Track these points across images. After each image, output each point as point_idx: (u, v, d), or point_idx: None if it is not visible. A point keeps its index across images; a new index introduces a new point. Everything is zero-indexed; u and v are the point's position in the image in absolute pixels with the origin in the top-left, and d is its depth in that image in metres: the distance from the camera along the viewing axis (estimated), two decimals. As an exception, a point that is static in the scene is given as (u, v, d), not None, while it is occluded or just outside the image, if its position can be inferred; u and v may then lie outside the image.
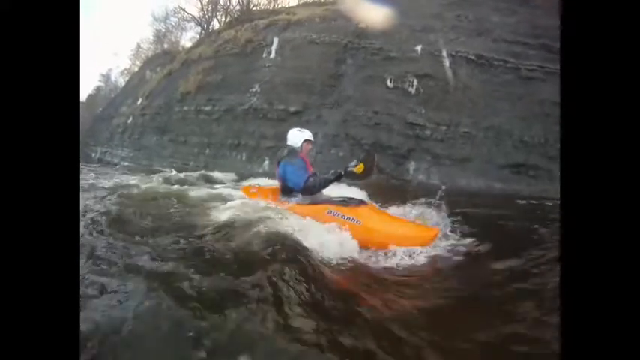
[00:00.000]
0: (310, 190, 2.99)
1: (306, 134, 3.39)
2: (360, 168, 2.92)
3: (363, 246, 2.39)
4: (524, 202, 5.92)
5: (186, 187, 5.27)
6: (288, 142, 3.38)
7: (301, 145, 3.34)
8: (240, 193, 4.02)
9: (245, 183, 6.15)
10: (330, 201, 2.90)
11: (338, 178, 2.98)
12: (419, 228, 2.54)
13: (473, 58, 9.56)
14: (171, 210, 3.44)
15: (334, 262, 2.16)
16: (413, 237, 2.40)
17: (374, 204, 3.03)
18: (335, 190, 3.21)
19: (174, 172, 8.47)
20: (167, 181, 6.32)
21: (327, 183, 3.00)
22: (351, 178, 2.99)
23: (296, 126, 3.70)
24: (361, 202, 2.85)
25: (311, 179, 3.00)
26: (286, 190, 3.24)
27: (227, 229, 2.45)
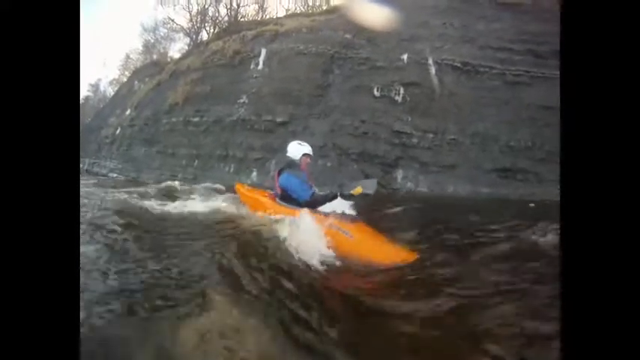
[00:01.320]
0: (313, 204, 3.14)
1: (306, 148, 3.47)
2: (357, 190, 3.09)
3: (349, 258, 2.52)
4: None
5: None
6: (288, 154, 3.46)
7: (300, 159, 3.43)
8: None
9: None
10: (327, 213, 3.06)
11: (333, 199, 3.14)
12: (400, 250, 2.64)
13: (459, 65, 9.67)
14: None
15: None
16: (394, 257, 2.51)
17: (362, 222, 3.17)
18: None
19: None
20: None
21: (325, 201, 3.16)
22: (347, 199, 3.15)
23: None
24: (355, 219, 3.03)
25: (316, 195, 3.18)
26: (287, 198, 3.33)
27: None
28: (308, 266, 2.23)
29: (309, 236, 2.57)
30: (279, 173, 3.45)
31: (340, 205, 3.30)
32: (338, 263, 2.41)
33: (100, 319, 1.32)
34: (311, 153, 3.51)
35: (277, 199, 3.46)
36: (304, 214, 2.84)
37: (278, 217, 3.11)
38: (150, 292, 1.61)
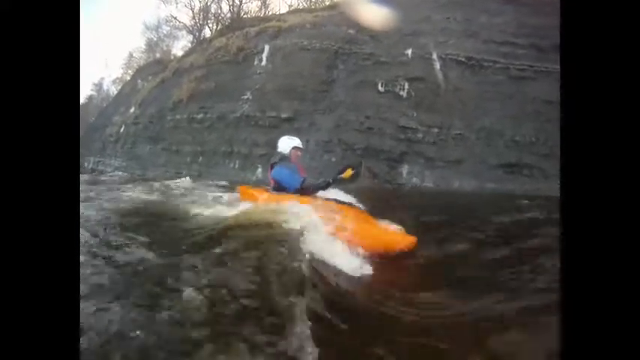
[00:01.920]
0: (304, 192, 3.21)
1: (295, 142, 3.62)
2: (347, 173, 3.17)
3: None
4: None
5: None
6: (278, 149, 3.62)
7: (290, 152, 3.56)
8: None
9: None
10: (324, 198, 3.09)
11: (327, 186, 3.19)
12: (395, 235, 2.57)
13: (463, 59, 9.62)
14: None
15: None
16: (389, 241, 2.44)
17: (361, 208, 3.14)
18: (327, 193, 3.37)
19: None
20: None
21: (318, 188, 3.21)
22: (339, 183, 3.24)
23: (288, 133, 3.81)
24: (351, 204, 3.06)
25: (306, 182, 3.25)
26: (279, 189, 3.43)
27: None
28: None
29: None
30: (272, 167, 3.57)
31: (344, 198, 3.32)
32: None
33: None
34: (300, 146, 3.64)
35: (271, 190, 3.56)
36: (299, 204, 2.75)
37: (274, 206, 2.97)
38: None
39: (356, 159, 8.60)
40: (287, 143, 3.60)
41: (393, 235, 2.56)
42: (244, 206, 3.29)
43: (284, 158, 3.54)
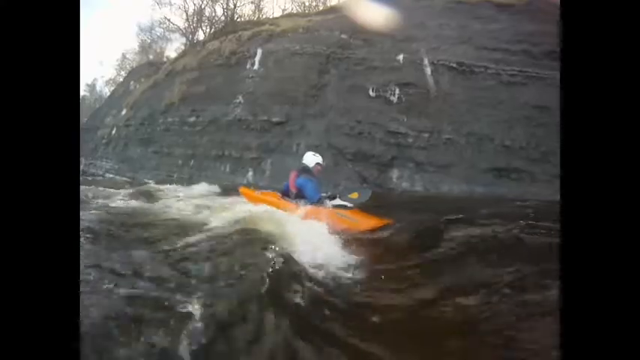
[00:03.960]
0: (318, 204, 3.93)
1: (318, 158, 4.36)
2: (354, 195, 4.07)
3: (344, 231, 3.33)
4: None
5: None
6: (304, 161, 4.32)
7: (314, 167, 4.26)
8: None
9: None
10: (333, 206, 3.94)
11: (333, 199, 4.04)
12: (379, 220, 3.67)
13: (454, 65, 9.67)
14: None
15: None
16: (376, 223, 3.58)
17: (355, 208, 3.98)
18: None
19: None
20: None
21: (326, 200, 4.03)
22: (344, 199, 4.03)
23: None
24: (351, 208, 3.94)
25: (321, 198, 3.98)
26: (298, 196, 4.10)
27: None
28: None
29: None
30: (297, 175, 4.19)
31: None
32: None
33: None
34: (322, 162, 4.35)
35: (283, 196, 4.31)
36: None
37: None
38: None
39: (367, 178, 9.03)
40: (312, 159, 4.30)
41: (379, 219, 3.65)
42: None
43: (308, 170, 4.21)
